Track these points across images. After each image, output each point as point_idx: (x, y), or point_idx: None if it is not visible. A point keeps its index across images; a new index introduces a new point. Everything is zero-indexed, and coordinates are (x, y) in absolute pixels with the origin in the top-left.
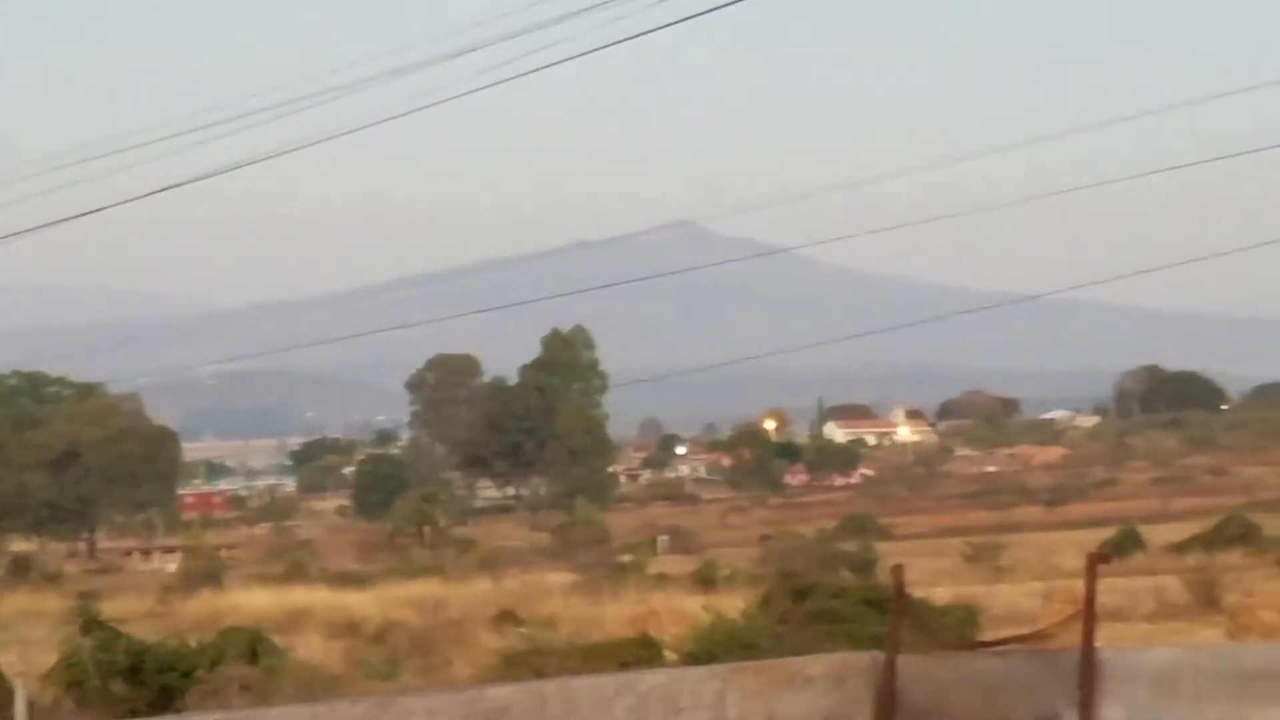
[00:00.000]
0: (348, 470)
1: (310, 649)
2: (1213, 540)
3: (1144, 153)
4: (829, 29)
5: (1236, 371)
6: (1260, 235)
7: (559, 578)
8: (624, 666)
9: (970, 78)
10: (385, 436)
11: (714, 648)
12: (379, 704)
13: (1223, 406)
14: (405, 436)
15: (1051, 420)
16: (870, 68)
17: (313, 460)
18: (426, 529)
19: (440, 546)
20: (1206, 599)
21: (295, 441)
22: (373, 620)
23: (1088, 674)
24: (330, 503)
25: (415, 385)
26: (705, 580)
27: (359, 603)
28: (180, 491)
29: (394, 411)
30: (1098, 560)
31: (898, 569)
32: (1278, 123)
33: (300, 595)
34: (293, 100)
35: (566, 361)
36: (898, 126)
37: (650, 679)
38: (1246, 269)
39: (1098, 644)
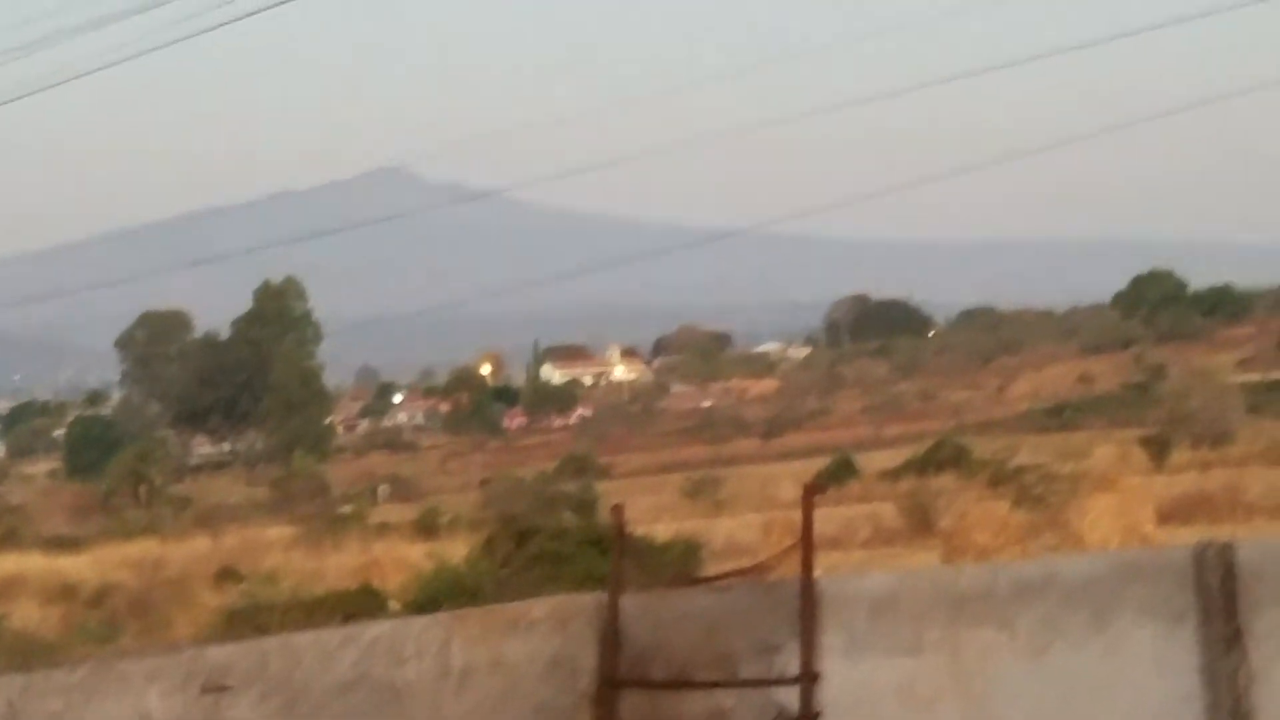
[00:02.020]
0: (58, 433)
1: (25, 617)
2: (924, 465)
3: (843, 83)
4: None
5: (942, 298)
6: (962, 160)
7: (279, 531)
8: (348, 618)
9: (672, 10)
10: (96, 397)
11: (438, 595)
12: (95, 669)
13: (930, 333)
14: (116, 396)
15: (764, 353)
16: (566, 3)
17: (20, 424)
18: (142, 488)
19: (156, 505)
20: (921, 523)
21: (1, 406)
22: (89, 584)
23: (807, 603)
24: (41, 467)
25: (125, 343)
26: (427, 527)
27: (74, 566)
28: None
29: (104, 371)
30: (813, 491)
31: (618, 509)
32: (972, 51)
33: (12, 562)
34: None
35: (278, 313)
36: (600, 62)
37: (373, 630)
38: (948, 195)
39: (816, 573)
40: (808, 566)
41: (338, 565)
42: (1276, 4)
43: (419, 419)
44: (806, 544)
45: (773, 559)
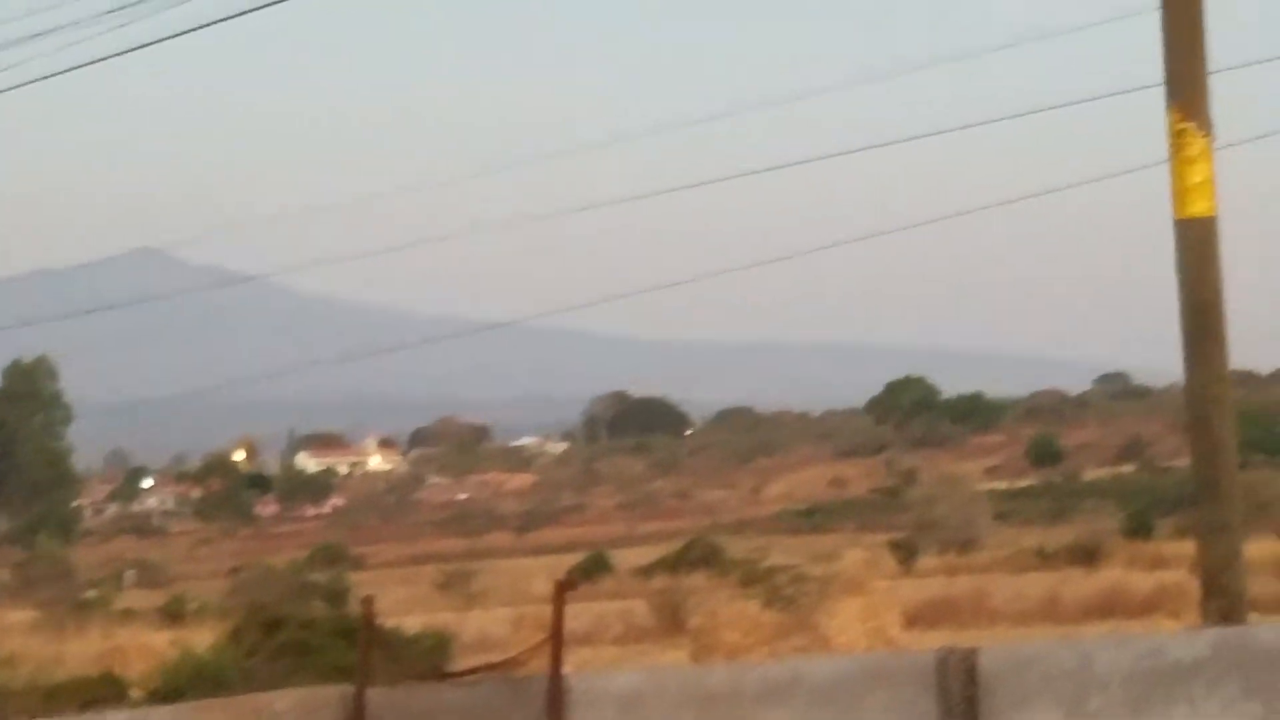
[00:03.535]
0: None
1: None
2: (677, 563)
3: (612, 181)
4: (298, 51)
5: (700, 398)
6: (722, 262)
7: (20, 615)
8: (86, 706)
9: (443, 102)
10: None
11: (181, 684)
12: None
13: (687, 431)
14: None
15: (522, 447)
16: (330, 89)
17: None
18: None
19: None
20: (672, 621)
21: None
22: None
23: (555, 700)
24: None
25: None
26: (173, 614)
27: None
28: None
29: None
30: (565, 587)
31: (367, 600)
32: (740, 150)
33: None
34: None
35: (28, 393)
36: (369, 151)
37: (112, 718)
38: (708, 296)
39: (566, 669)
40: (556, 663)
41: (79, 651)
42: (1030, 121)
43: (170, 504)
44: (556, 640)
45: (523, 654)
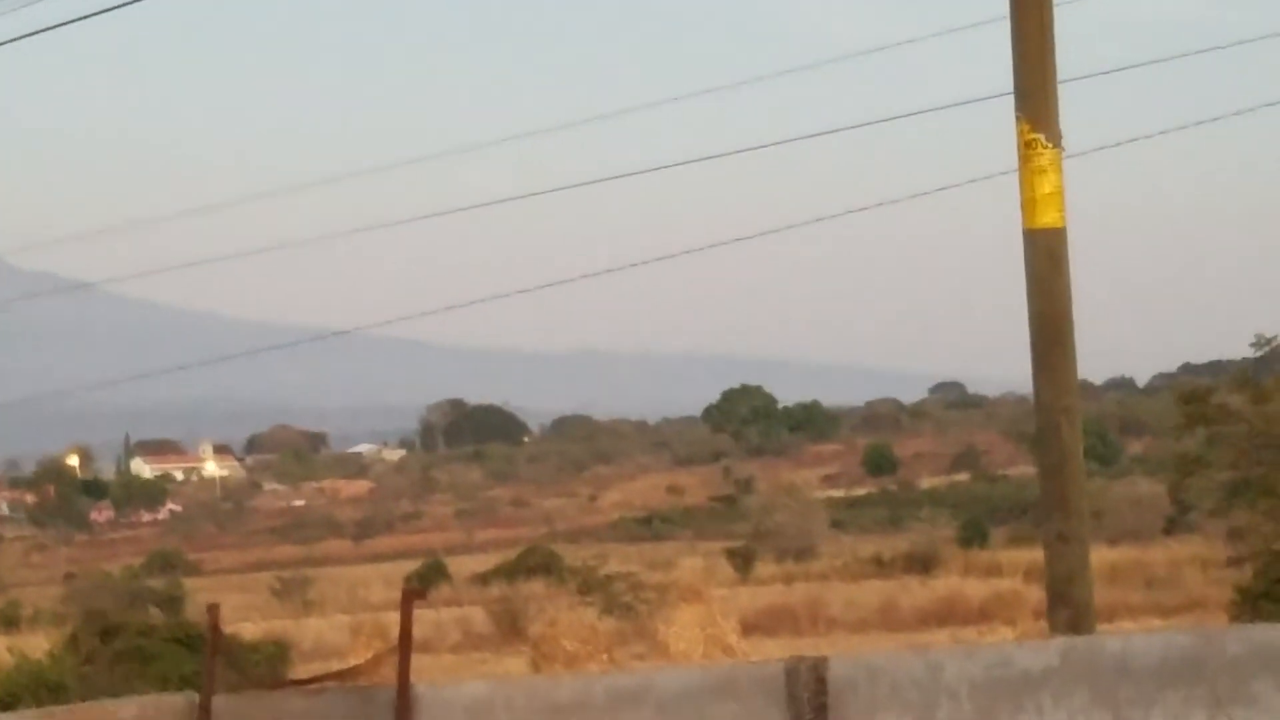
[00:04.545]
0: None
1: None
2: (515, 571)
3: (446, 190)
4: (134, 57)
5: (536, 406)
6: (559, 272)
7: None
8: None
9: (277, 110)
10: None
11: (18, 691)
12: None
13: (524, 439)
14: None
15: (358, 454)
16: (162, 100)
17: None
18: None
19: None
20: (511, 628)
21: None
22: None
23: (403, 709)
24: None
25: None
26: (8, 621)
27: None
28: None
29: None
30: (412, 596)
31: (213, 608)
32: (577, 163)
33: None
34: None
35: None
36: (203, 162)
37: None
38: (546, 305)
39: (410, 677)
40: (404, 672)
41: None
42: (872, 131)
43: (3, 510)
44: (404, 649)
45: (369, 663)
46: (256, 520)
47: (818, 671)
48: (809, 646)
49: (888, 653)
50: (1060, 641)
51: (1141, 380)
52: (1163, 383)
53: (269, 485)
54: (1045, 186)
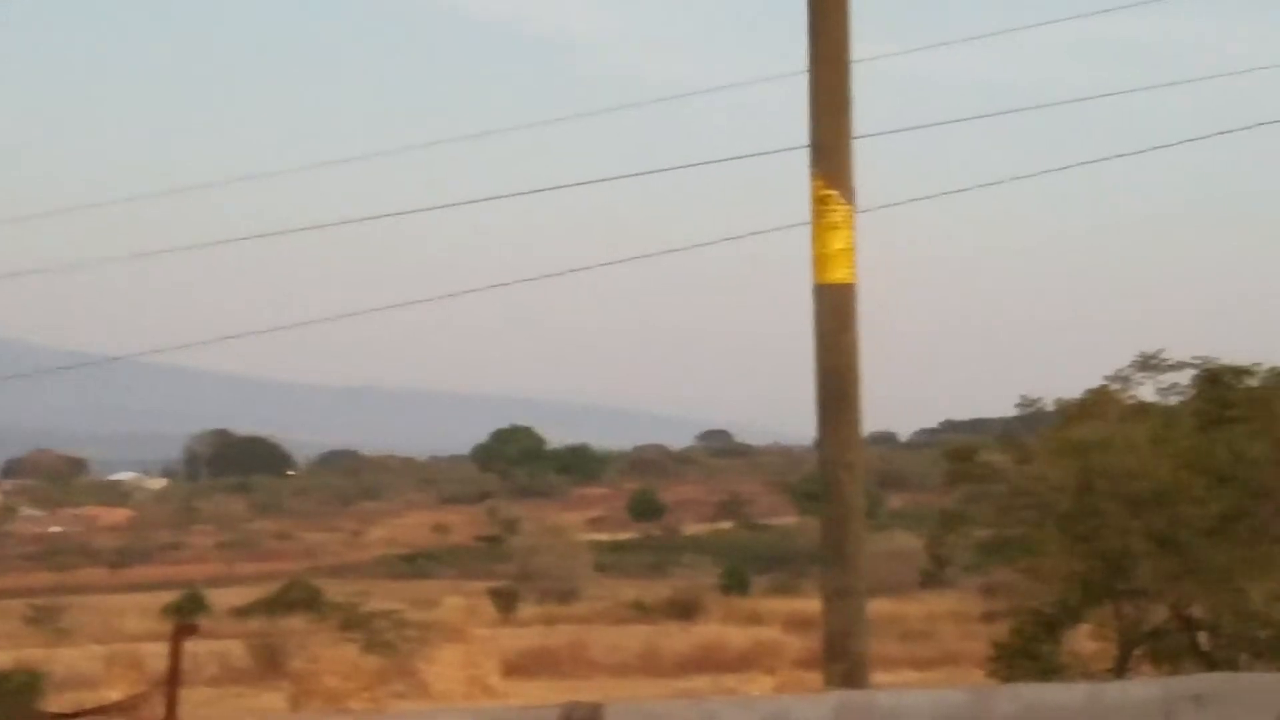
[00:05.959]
0: None
1: None
2: (276, 604)
3: (227, 217)
4: None
5: (303, 438)
6: (328, 308)
7: None
8: None
9: (74, 131)
10: None
11: None
12: None
13: (290, 472)
14: None
15: (119, 482)
16: None
17: None
18: None
19: None
20: (270, 663)
21: None
22: None
23: None
24: None
25: None
26: None
27: None
28: None
29: None
30: (183, 632)
31: None
32: (348, 197)
33: None
34: None
35: None
36: None
37: None
38: (312, 339)
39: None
40: (172, 708)
41: None
42: (641, 179)
43: None
44: (173, 685)
45: (136, 696)
46: (11, 546)
47: (594, 717)
48: (570, 689)
49: (663, 700)
50: (835, 695)
51: (904, 435)
52: (925, 438)
53: (25, 510)
54: (837, 242)
